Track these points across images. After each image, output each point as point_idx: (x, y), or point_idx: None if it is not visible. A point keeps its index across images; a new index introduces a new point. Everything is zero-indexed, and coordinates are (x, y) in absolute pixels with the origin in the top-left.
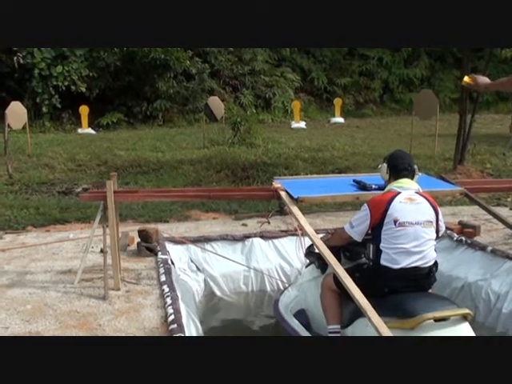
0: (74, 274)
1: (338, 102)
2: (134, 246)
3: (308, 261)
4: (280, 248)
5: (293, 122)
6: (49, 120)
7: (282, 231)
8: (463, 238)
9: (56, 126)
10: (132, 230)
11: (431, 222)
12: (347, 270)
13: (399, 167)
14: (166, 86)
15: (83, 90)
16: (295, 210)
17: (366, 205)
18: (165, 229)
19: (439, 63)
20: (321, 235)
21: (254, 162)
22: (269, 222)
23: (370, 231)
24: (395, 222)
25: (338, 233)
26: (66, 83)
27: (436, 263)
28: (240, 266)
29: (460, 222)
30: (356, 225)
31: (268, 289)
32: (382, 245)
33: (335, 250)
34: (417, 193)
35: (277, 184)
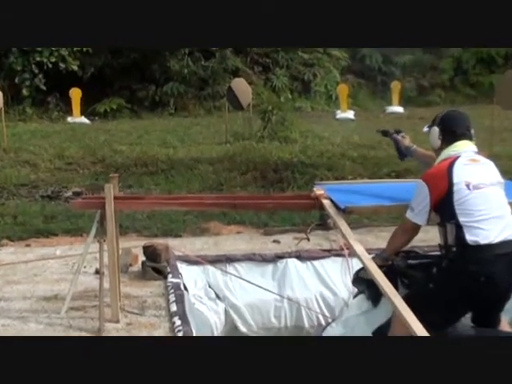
0: (61, 301)
1: (395, 86)
2: (137, 267)
3: (356, 290)
4: (321, 272)
5: (338, 112)
6: (30, 106)
7: (325, 250)
8: None
9: (40, 113)
10: (135, 245)
11: (502, 183)
12: (413, 293)
13: (457, 132)
14: (178, 65)
15: (75, 68)
16: (341, 223)
17: (421, 181)
18: (176, 245)
19: None
20: (373, 255)
21: (289, 161)
22: (308, 239)
23: (435, 211)
24: (468, 185)
25: (399, 226)
26: (53, 59)
27: None
28: (270, 294)
29: None
30: (416, 206)
31: (306, 324)
32: (460, 219)
33: (391, 277)
34: (477, 154)
35: (318, 190)
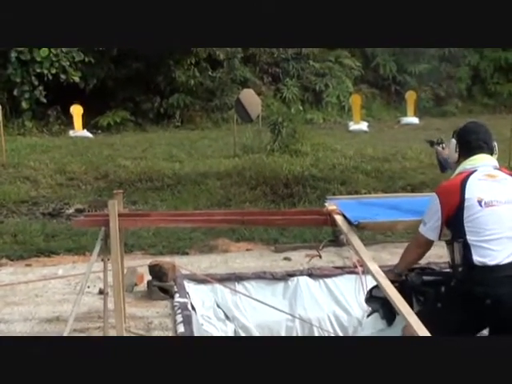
0: (63, 323)
1: (410, 96)
2: (143, 286)
3: (370, 308)
4: (334, 290)
5: (351, 123)
6: (30, 119)
7: (337, 268)
8: None
9: (40, 126)
10: (141, 264)
11: None
12: (422, 312)
13: (472, 144)
14: (185, 76)
15: (76, 80)
16: (355, 239)
17: (434, 194)
18: (183, 263)
19: None
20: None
21: (301, 175)
22: (320, 256)
23: (447, 227)
24: (480, 202)
25: (412, 241)
26: (54, 71)
27: None
28: (281, 313)
29: None
30: (428, 220)
31: None
32: (468, 237)
33: (406, 294)
34: (496, 169)
35: (330, 205)
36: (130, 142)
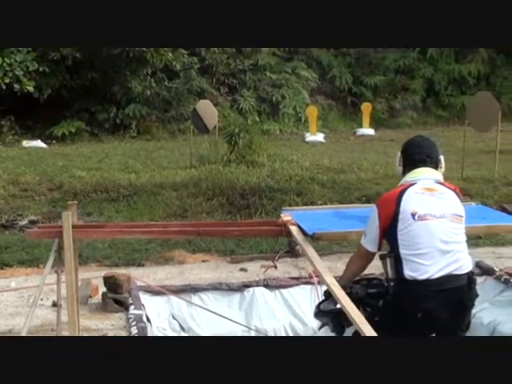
0: None
1: (366, 107)
2: (97, 298)
3: (320, 322)
4: (290, 301)
5: (307, 134)
6: None
7: (293, 278)
8: None
9: None
10: (96, 276)
11: (461, 216)
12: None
13: (414, 158)
14: (141, 86)
15: (30, 89)
16: (309, 249)
17: (374, 205)
18: (139, 275)
19: (503, 56)
20: None
21: (257, 186)
22: (275, 267)
23: (386, 240)
24: (413, 215)
25: (355, 252)
26: (7, 80)
27: (473, 273)
28: (237, 325)
29: None
30: (368, 232)
31: None
32: (400, 251)
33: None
34: (438, 183)
35: (286, 216)
36: (85, 153)
